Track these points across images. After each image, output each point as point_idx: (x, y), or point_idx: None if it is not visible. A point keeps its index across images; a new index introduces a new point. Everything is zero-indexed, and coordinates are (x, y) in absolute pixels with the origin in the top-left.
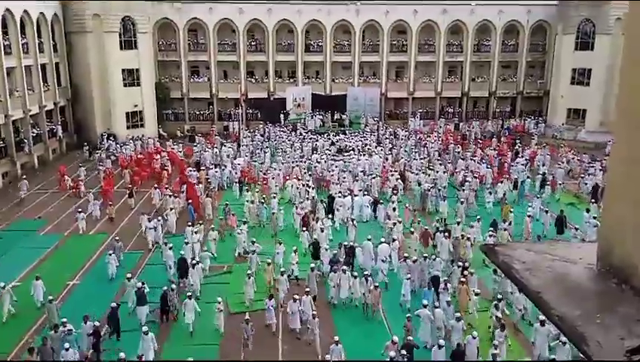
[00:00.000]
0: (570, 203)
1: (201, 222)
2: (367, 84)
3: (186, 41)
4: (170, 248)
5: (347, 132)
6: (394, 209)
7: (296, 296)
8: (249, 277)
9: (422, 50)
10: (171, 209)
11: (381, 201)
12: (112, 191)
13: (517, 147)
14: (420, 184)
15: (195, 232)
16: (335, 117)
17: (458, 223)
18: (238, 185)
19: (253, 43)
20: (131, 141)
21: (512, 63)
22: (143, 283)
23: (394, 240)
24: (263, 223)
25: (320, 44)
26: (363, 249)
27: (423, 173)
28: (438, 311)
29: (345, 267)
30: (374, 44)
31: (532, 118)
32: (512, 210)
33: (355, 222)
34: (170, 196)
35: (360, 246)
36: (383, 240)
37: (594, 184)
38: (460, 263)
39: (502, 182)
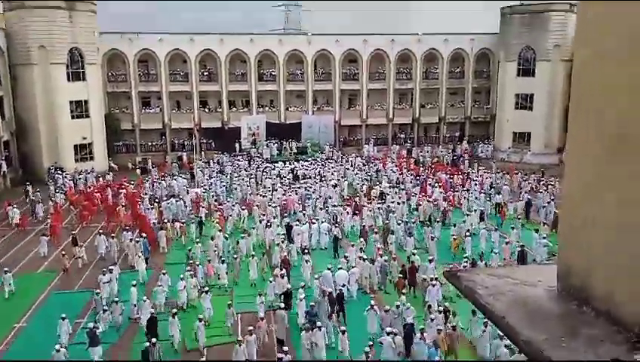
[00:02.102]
0: (521, 224)
1: (190, 274)
2: (321, 112)
3: (137, 71)
4: (134, 285)
5: (302, 160)
6: (361, 249)
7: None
8: (239, 344)
9: (373, 78)
10: (139, 256)
11: (352, 244)
12: (60, 227)
13: (470, 171)
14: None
15: (182, 278)
16: (290, 145)
17: (430, 261)
18: (197, 224)
19: (205, 73)
20: (79, 174)
21: (459, 90)
22: (95, 322)
23: (352, 267)
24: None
25: (273, 73)
26: (323, 278)
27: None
28: (398, 338)
29: (322, 322)
30: (327, 72)
31: (479, 142)
32: (464, 241)
33: (347, 263)
34: (130, 241)
35: (320, 275)
36: (340, 266)
37: (526, 201)
38: (441, 308)
39: (469, 215)
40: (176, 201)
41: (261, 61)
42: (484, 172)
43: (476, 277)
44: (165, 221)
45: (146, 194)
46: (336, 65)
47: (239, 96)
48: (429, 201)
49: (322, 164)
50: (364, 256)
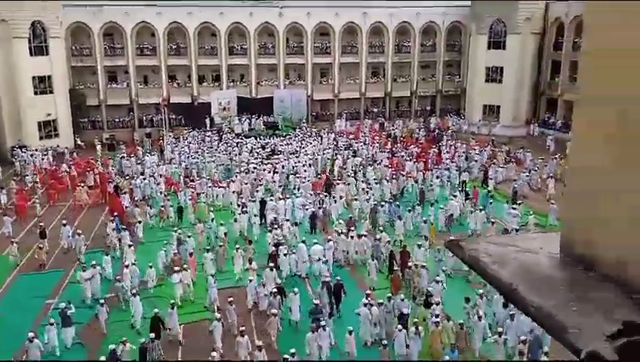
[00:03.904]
0: (490, 196)
1: (185, 267)
2: (293, 86)
3: (102, 45)
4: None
5: (275, 135)
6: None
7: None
8: (259, 350)
9: (345, 52)
10: (129, 246)
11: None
12: (26, 206)
13: (440, 145)
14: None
15: (176, 272)
16: (260, 120)
17: (419, 246)
18: (177, 210)
19: (174, 46)
20: (43, 152)
21: (431, 63)
22: (69, 303)
23: (329, 240)
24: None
25: (244, 46)
26: (298, 252)
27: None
28: (374, 308)
29: (323, 319)
30: (298, 46)
31: (452, 115)
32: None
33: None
34: (114, 230)
35: (294, 249)
36: (315, 241)
37: (483, 169)
38: (423, 297)
39: (455, 196)
40: (144, 180)
41: (231, 34)
42: (454, 146)
43: (478, 246)
44: (136, 199)
45: (113, 169)
46: (307, 39)
47: (209, 70)
48: (402, 175)
49: (299, 140)
50: (339, 231)
